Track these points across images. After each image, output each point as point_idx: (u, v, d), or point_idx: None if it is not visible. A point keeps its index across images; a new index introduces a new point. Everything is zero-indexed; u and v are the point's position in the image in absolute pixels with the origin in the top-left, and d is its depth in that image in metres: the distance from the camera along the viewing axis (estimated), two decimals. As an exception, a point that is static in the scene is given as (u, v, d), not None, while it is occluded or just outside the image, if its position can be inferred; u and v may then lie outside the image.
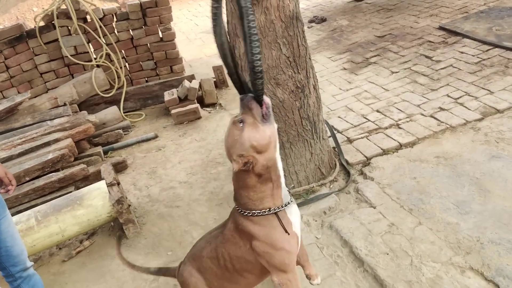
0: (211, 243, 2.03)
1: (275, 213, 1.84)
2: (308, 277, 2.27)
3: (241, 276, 1.98)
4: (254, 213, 1.83)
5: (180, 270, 2.17)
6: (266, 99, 1.78)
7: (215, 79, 5.61)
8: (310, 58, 3.22)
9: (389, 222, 2.86)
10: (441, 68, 4.68)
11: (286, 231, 1.85)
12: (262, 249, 1.84)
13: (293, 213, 1.92)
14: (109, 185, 3.30)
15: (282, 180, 1.86)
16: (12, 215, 3.24)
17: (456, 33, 5.38)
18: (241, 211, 1.86)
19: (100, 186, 3.30)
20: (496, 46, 4.82)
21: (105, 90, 5.39)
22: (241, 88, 1.88)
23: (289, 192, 1.95)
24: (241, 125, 1.73)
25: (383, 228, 2.83)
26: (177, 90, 5.29)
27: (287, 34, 3.01)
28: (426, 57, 5.02)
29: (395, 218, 2.88)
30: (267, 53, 3.01)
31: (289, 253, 1.87)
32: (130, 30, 5.40)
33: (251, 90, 1.80)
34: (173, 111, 4.96)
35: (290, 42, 3.03)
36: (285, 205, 1.88)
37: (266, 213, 1.83)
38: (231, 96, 5.44)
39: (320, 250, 2.80)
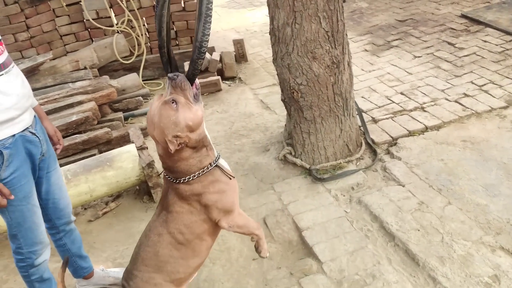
0: (159, 234, 1.98)
1: (216, 165, 1.94)
2: None
3: (202, 241, 2.02)
4: (199, 173, 1.89)
5: (133, 284, 2.02)
6: (196, 81, 1.82)
7: (235, 53, 5.59)
8: (346, 34, 3.23)
9: (419, 201, 2.91)
10: (464, 56, 4.69)
11: (230, 176, 1.98)
12: (214, 199, 1.93)
13: (225, 163, 2.04)
14: (139, 148, 3.32)
15: (210, 140, 1.94)
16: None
17: (478, 22, 5.39)
18: (181, 180, 1.89)
19: (130, 149, 3.31)
20: (520, 37, 4.84)
21: (125, 57, 5.36)
22: (168, 63, 1.89)
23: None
24: (174, 105, 1.73)
25: (412, 205, 2.88)
26: (197, 61, 5.26)
27: (328, 8, 3.01)
28: (449, 43, 5.03)
29: (425, 197, 2.93)
30: (306, 26, 3.01)
31: (234, 191, 2.01)
32: (153, -3, 5.35)
33: (172, 66, 1.88)
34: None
35: (330, 16, 3.03)
36: (218, 157, 1.97)
37: (209, 168, 1.91)
38: (250, 71, 5.44)
39: (351, 224, 2.85)
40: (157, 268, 1.98)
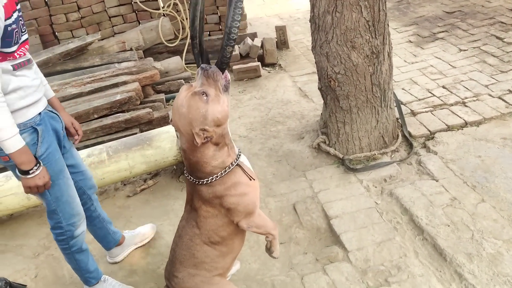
0: (192, 237, 2.02)
1: (238, 165, 1.92)
2: None
3: (235, 237, 2.06)
4: (222, 173, 1.87)
5: (175, 284, 2.09)
6: (225, 72, 1.80)
7: (276, 39, 5.61)
8: (388, 25, 3.20)
9: (451, 196, 2.88)
10: (513, 51, 4.54)
11: (252, 178, 1.96)
12: (236, 202, 1.91)
13: (245, 160, 2.02)
14: (178, 129, 3.42)
15: (231, 137, 1.92)
16: (80, 149, 3.46)
17: (531, 16, 5.18)
18: (205, 181, 1.87)
19: (169, 129, 3.43)
20: None
21: (169, 40, 5.48)
22: (200, 54, 1.86)
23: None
24: (205, 98, 1.71)
25: (444, 201, 2.86)
26: (239, 47, 5.34)
27: (370, -2, 2.99)
28: (497, 38, 4.87)
29: (458, 193, 2.90)
30: (347, 14, 3.00)
31: (256, 193, 1.98)
32: (199, -18, 5.42)
33: (203, 58, 1.84)
34: (234, 67, 5.02)
35: (371, 5, 3.01)
36: (239, 155, 1.96)
37: (231, 168, 1.88)
38: (291, 58, 5.45)
39: (380, 215, 2.86)
40: (196, 267, 2.05)
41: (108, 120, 3.98)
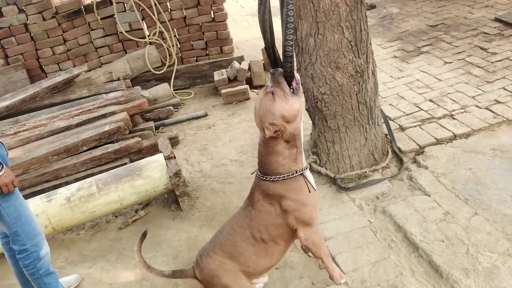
0: (240, 225, 2.16)
1: (302, 174, 2.06)
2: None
3: (276, 244, 2.15)
4: (285, 176, 2.02)
5: (203, 266, 2.20)
6: (296, 76, 1.97)
7: (263, 61, 5.65)
8: (370, 43, 3.22)
9: (444, 211, 2.87)
10: (497, 61, 4.58)
11: (313, 188, 2.09)
12: (293, 207, 2.04)
13: (310, 175, 2.16)
14: (167, 158, 3.41)
15: (302, 147, 2.07)
16: (71, 182, 3.44)
17: (513, 26, 5.25)
18: (269, 178, 2.05)
19: (158, 158, 3.41)
20: (556, 40, 4.69)
21: (157, 67, 5.51)
22: (275, 62, 2.06)
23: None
24: (272, 96, 1.93)
25: (438, 216, 2.84)
26: (227, 71, 5.37)
27: (351, 18, 3.02)
28: (481, 48, 4.92)
29: (451, 207, 2.89)
30: (329, 36, 3.03)
31: (315, 207, 2.10)
32: (184, 9, 5.49)
33: (278, 64, 2.04)
34: (223, 91, 5.04)
35: (353, 26, 3.04)
36: (306, 168, 2.11)
37: (294, 175, 2.04)
38: (279, 79, 5.47)
39: (374, 234, 2.84)
40: (231, 256, 2.16)
41: (97, 152, 3.96)
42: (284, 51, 1.87)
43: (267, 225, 2.09)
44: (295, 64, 1.93)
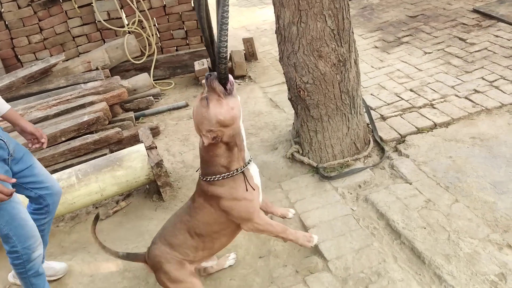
0: (181, 220, 2.25)
1: (242, 172, 2.09)
2: (283, 216, 2.55)
3: (215, 239, 2.24)
4: (224, 175, 2.05)
5: (150, 252, 2.31)
6: (230, 77, 1.95)
7: (244, 51, 5.61)
8: (353, 32, 3.22)
9: (426, 198, 2.90)
10: (476, 51, 4.64)
11: (251, 187, 2.11)
12: (229, 205, 2.10)
13: (254, 169, 2.20)
14: (148, 148, 3.37)
15: (244, 143, 2.09)
16: (50, 173, 3.36)
17: (490, 17, 5.31)
18: (208, 179, 2.08)
19: (139, 149, 3.37)
20: (532, 31, 4.77)
21: (136, 57, 5.42)
22: (212, 61, 2.00)
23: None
24: (206, 102, 1.92)
25: (419, 203, 2.87)
26: (207, 61, 5.31)
27: (334, 6, 3.01)
28: (460, 39, 4.98)
29: (432, 194, 2.93)
30: (312, 24, 3.01)
31: (251, 202, 2.13)
32: (163, -3, 5.41)
33: (214, 67, 1.96)
34: (203, 81, 4.97)
35: (335, 14, 3.03)
36: (248, 163, 2.13)
37: (235, 173, 2.06)
38: (260, 69, 5.46)
39: (357, 221, 2.85)
40: (172, 246, 2.23)
41: (76, 143, 3.88)
42: (219, 52, 1.83)
43: (205, 222, 2.16)
44: (228, 65, 1.92)
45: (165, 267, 2.22)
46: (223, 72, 1.89)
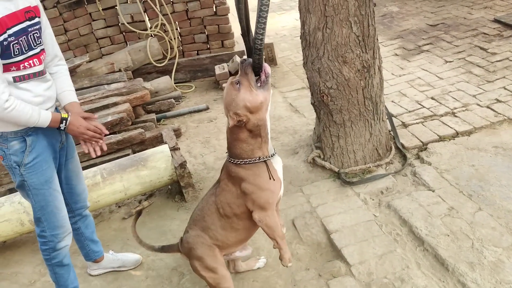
0: (208, 201, 2.29)
1: (264, 161, 2.12)
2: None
3: (239, 220, 2.24)
4: (246, 161, 2.10)
5: (183, 240, 2.37)
6: (267, 69, 2.01)
7: (264, 57, 5.64)
8: (377, 39, 3.25)
9: (449, 206, 2.90)
10: (497, 61, 4.64)
11: (272, 177, 2.14)
12: (250, 190, 2.12)
13: (277, 163, 2.22)
14: (172, 149, 3.41)
15: (269, 136, 2.14)
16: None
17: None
18: (233, 161, 2.13)
19: (163, 149, 3.41)
20: (555, 42, 4.76)
21: (158, 60, 5.49)
22: (249, 50, 2.06)
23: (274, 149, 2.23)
24: (238, 86, 1.98)
25: (442, 211, 2.87)
26: (228, 65, 5.37)
27: (359, 13, 3.04)
28: (481, 48, 4.97)
29: (455, 202, 2.93)
30: (337, 30, 3.05)
31: (273, 193, 2.16)
32: (186, 2, 5.47)
33: (251, 54, 2.02)
34: (224, 85, 5.03)
35: (361, 21, 3.06)
36: (271, 156, 2.16)
37: (256, 161, 2.11)
38: (280, 74, 5.49)
39: (379, 227, 2.86)
40: (203, 229, 2.29)
41: (100, 142, 3.93)
42: (254, 43, 1.90)
43: (229, 203, 2.20)
44: (263, 56, 1.96)
45: (199, 252, 2.27)
46: (257, 62, 1.95)
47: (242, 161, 2.11)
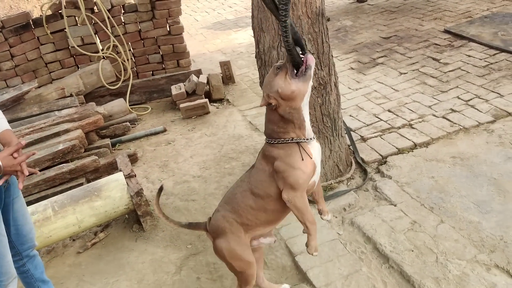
0: (243, 180, 2.28)
1: (297, 143, 2.11)
2: (320, 212, 2.47)
3: (270, 200, 2.20)
4: (279, 141, 2.11)
5: (212, 218, 2.35)
6: (310, 60, 1.99)
7: (221, 74, 5.59)
8: (332, 56, 3.24)
9: (411, 220, 2.89)
10: (450, 71, 4.74)
11: (309, 156, 2.11)
12: (282, 168, 2.10)
13: (315, 148, 2.18)
14: (127, 176, 3.27)
15: (307, 124, 2.12)
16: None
17: (461, 37, 5.46)
18: (268, 141, 2.16)
19: (118, 177, 3.27)
20: (502, 50, 4.91)
21: (111, 82, 5.33)
22: (294, 43, 2.00)
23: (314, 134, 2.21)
24: (277, 71, 2.02)
25: (405, 225, 2.86)
26: (184, 85, 5.26)
27: (313, 31, 3.02)
28: (434, 59, 5.08)
29: (417, 216, 2.92)
30: (292, 48, 3.00)
31: (304, 174, 2.11)
32: (138, 23, 5.35)
33: (298, 44, 2.01)
34: (182, 105, 4.92)
35: (315, 38, 3.04)
36: (308, 139, 2.14)
37: (289, 141, 2.10)
38: (238, 92, 5.43)
39: (344, 246, 2.81)
40: (233, 208, 2.25)
41: (51, 172, 3.74)
42: (283, 41, 1.92)
43: (262, 181, 2.18)
44: (306, 47, 2.00)
45: (225, 234, 2.24)
46: (292, 56, 1.96)
47: (275, 141, 2.13)
